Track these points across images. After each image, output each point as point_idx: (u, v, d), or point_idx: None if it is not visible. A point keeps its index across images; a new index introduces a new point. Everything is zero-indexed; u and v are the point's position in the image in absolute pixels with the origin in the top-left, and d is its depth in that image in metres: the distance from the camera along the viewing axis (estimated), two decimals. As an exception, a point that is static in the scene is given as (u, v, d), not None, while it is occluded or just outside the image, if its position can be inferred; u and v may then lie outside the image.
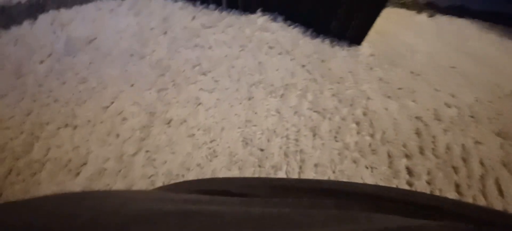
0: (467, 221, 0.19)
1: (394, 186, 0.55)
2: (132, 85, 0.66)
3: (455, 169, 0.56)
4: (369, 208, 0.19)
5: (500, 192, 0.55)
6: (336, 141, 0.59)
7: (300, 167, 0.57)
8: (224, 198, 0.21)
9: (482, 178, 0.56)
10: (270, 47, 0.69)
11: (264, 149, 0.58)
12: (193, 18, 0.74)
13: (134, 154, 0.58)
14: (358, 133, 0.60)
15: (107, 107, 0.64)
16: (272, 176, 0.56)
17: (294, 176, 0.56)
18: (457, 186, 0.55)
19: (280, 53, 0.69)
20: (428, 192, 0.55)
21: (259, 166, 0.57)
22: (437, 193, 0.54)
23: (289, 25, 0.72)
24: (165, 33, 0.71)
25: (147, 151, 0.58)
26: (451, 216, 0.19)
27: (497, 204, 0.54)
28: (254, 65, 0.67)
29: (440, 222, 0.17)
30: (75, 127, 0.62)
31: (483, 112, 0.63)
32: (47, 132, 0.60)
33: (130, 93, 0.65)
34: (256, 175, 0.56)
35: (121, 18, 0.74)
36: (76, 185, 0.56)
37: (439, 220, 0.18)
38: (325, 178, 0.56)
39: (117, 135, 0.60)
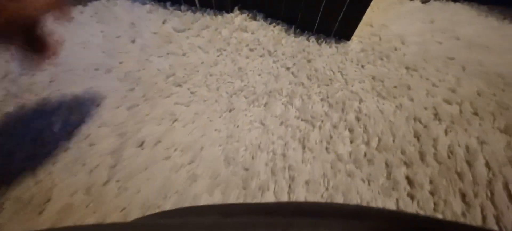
0: None
1: (394, 199, 0.47)
2: (98, 104, 0.55)
3: (460, 175, 0.48)
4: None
5: (510, 198, 0.47)
6: (328, 152, 0.50)
7: (289, 186, 0.48)
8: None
9: (490, 183, 0.48)
10: (251, 50, 0.59)
11: (248, 168, 0.49)
12: (164, 21, 0.62)
13: (105, 184, 0.49)
14: (351, 141, 0.51)
15: (72, 131, 0.53)
16: (259, 197, 0.48)
17: (284, 196, 0.48)
18: (463, 195, 0.47)
19: (261, 56, 0.58)
20: (431, 203, 0.47)
21: (244, 188, 0.48)
22: (441, 204, 0.46)
23: (270, 23, 0.61)
24: (133, 41, 0.60)
25: (118, 181, 0.49)
26: None
27: (508, 213, 0.46)
28: (234, 71, 0.57)
29: None
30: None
31: (486, 107, 0.54)
32: (1, 168, 0.50)
33: (97, 113, 0.55)
34: (241, 199, 0.47)
35: (83, 27, 0.63)
36: (41, 224, 0.47)
37: None
38: (318, 196, 0.48)
39: (84, 164, 0.50)
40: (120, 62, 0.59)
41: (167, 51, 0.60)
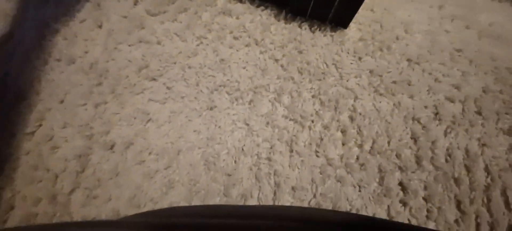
0: None
1: (385, 206, 0.45)
2: (61, 101, 0.50)
3: (457, 181, 0.46)
4: None
5: (507, 205, 0.45)
6: (318, 156, 0.48)
7: (275, 193, 0.46)
8: None
9: (487, 188, 0.46)
10: (235, 38, 0.53)
11: (230, 173, 0.46)
12: (135, 3, 0.55)
13: (71, 192, 0.46)
14: (343, 144, 0.48)
15: (32, 133, 0.49)
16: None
17: (268, 203, 0.45)
18: (458, 202, 0.45)
19: (247, 45, 0.53)
20: (424, 211, 0.45)
21: (225, 195, 0.45)
22: (435, 211, 0.45)
23: (258, 6, 0.54)
24: (100, 26, 0.53)
25: (86, 188, 0.46)
26: None
27: (503, 220, 0.44)
28: (216, 63, 0.52)
29: None
30: (-6, 161, 0.47)
31: (491, 106, 0.51)
32: (-48, 175, 0.46)
33: (60, 111, 0.50)
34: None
35: (40, 10, 0.55)
36: (4, 234, 0.44)
37: None
38: (305, 203, 0.45)
39: (47, 169, 0.47)
40: (85, 52, 0.53)
41: (139, 38, 0.54)
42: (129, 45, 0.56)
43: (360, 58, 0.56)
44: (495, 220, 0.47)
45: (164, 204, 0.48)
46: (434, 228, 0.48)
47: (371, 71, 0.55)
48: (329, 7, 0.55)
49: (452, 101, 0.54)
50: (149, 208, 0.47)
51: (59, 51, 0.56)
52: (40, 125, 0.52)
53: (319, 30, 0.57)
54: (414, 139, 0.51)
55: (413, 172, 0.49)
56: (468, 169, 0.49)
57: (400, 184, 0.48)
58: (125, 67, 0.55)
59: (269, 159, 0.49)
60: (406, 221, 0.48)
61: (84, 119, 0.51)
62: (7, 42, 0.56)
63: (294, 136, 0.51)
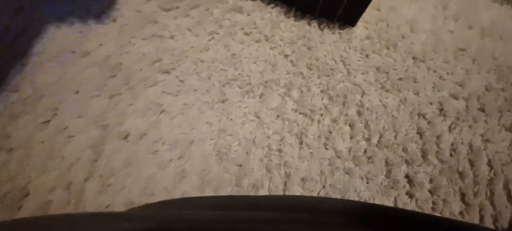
0: None
1: (392, 198, 0.47)
2: (76, 92, 0.51)
3: (461, 174, 0.48)
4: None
5: (509, 198, 0.47)
6: (326, 149, 0.49)
7: (285, 183, 0.47)
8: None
9: (491, 182, 0.47)
10: (246, 34, 0.55)
11: (241, 164, 0.47)
12: (148, -2, 0.57)
13: (86, 180, 0.46)
14: (351, 137, 0.50)
15: (47, 122, 0.50)
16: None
17: (278, 193, 0.46)
18: (463, 195, 0.46)
19: (257, 41, 0.54)
20: (430, 203, 0.46)
21: (237, 186, 0.47)
22: (440, 203, 0.47)
23: (268, 4, 0.56)
24: (114, 20, 0.55)
25: (101, 176, 0.47)
26: None
27: (506, 213, 0.46)
28: (227, 58, 0.54)
29: None
30: (10, 150, 0.48)
31: (493, 103, 0.53)
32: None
33: (74, 102, 0.51)
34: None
35: (55, 5, 0.56)
36: (18, 221, 0.44)
37: None
38: (314, 194, 0.46)
39: (62, 157, 0.48)
40: (99, 45, 0.54)
41: (152, 33, 0.55)
42: (142, 40, 0.58)
43: (367, 56, 0.58)
44: (498, 212, 0.49)
45: (177, 193, 0.49)
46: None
47: (377, 68, 0.57)
48: (338, 6, 0.57)
49: (456, 98, 0.56)
50: (162, 197, 0.48)
51: (73, 44, 0.58)
52: (55, 115, 0.53)
53: (328, 28, 0.59)
54: (420, 133, 0.53)
55: (419, 165, 0.51)
56: (472, 163, 0.51)
57: (407, 176, 0.50)
58: (139, 61, 0.56)
59: (279, 151, 0.50)
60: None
61: (99, 109, 0.52)
62: (22, 35, 0.58)
63: (304, 129, 0.52)
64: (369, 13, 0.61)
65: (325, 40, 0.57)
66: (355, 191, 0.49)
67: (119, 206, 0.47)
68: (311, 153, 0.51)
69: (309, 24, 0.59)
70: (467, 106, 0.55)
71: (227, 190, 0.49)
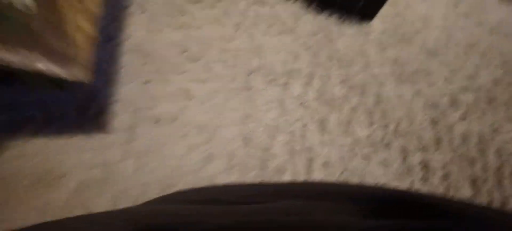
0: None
1: (407, 183, 0.50)
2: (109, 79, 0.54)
3: (471, 162, 0.51)
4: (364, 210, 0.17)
5: (516, 184, 0.50)
6: (346, 136, 0.52)
7: (308, 168, 0.49)
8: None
9: (499, 170, 0.51)
10: (269, 25, 0.57)
11: (266, 148, 0.50)
12: (176, -10, 0.59)
13: (120, 161, 0.49)
14: (369, 125, 0.53)
15: (82, 106, 0.52)
16: (276, 179, 0.49)
17: (301, 178, 0.50)
18: (473, 181, 0.50)
19: (280, 33, 0.57)
20: (442, 188, 0.50)
21: (261, 169, 0.49)
22: (452, 189, 0.50)
23: (291, -2, 0.59)
24: (143, 11, 0.57)
25: (134, 158, 0.49)
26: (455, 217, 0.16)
27: (512, 198, 0.49)
28: (252, 48, 0.56)
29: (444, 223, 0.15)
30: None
31: (501, 96, 0.56)
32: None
33: (108, 87, 0.53)
34: (258, 179, 0.49)
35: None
36: (58, 199, 0.47)
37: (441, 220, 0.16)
38: (334, 178, 0.50)
39: (98, 140, 0.50)
40: (130, 35, 0.56)
41: (181, 23, 0.58)
42: (171, 30, 0.60)
43: (384, 49, 0.61)
44: (506, 198, 0.52)
45: (205, 174, 0.52)
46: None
47: (394, 61, 0.60)
48: (358, 1, 0.60)
49: (467, 90, 0.59)
50: (191, 178, 0.51)
51: (105, 34, 0.60)
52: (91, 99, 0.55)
53: (347, 21, 0.62)
54: (433, 123, 0.56)
55: (432, 153, 0.54)
56: (481, 152, 0.54)
57: (421, 163, 0.53)
58: (168, 49, 0.59)
59: (302, 136, 0.53)
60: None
61: (132, 95, 0.55)
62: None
63: (325, 116, 0.55)
64: (385, 9, 0.64)
65: (344, 33, 0.60)
66: (373, 176, 0.52)
67: (152, 184, 0.50)
68: (331, 139, 0.54)
69: (330, 18, 0.62)
70: (476, 99, 0.58)
71: (251, 174, 0.52)
